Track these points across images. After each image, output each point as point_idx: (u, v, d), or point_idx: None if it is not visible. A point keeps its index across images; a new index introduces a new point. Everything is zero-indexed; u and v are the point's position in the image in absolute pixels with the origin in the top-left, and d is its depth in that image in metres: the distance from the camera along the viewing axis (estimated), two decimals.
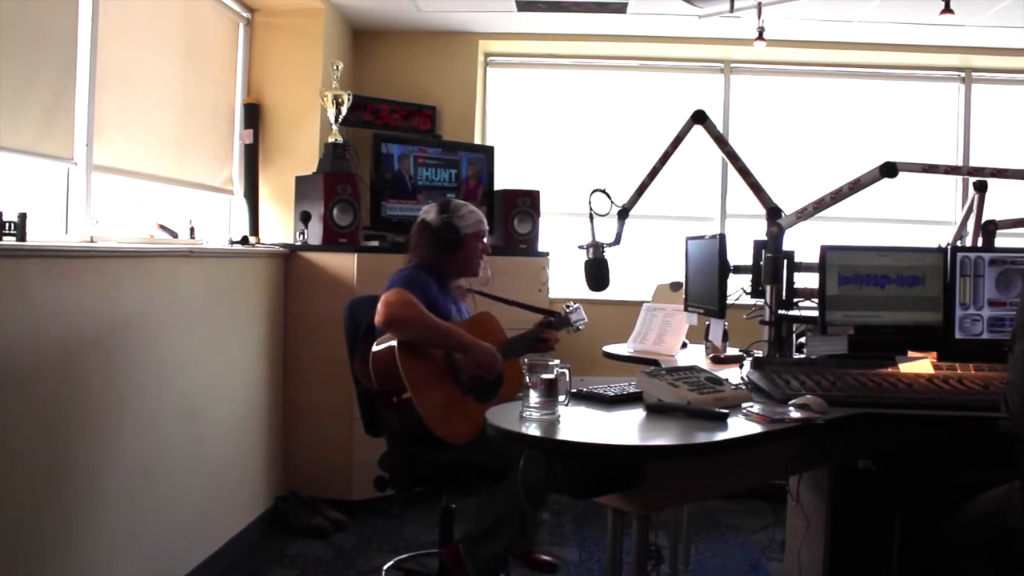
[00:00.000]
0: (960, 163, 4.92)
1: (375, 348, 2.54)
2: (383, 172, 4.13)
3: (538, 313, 3.02)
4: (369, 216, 4.12)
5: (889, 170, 2.45)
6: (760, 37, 3.95)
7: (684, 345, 3.25)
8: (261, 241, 4.07)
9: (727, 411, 1.92)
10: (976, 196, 3.31)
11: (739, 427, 1.86)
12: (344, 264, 3.80)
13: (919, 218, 4.98)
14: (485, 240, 2.87)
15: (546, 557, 3.25)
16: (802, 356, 2.59)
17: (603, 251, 3.02)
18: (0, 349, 1.99)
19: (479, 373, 2.61)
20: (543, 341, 2.86)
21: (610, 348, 3.34)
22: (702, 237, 2.96)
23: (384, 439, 2.76)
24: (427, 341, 2.55)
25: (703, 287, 2.88)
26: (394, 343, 2.49)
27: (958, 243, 3.39)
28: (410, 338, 2.52)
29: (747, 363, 2.38)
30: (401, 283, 2.61)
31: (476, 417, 2.29)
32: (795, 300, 2.62)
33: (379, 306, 2.52)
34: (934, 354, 2.45)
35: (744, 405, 1.99)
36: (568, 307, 3.00)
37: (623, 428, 1.89)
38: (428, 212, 2.84)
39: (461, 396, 2.61)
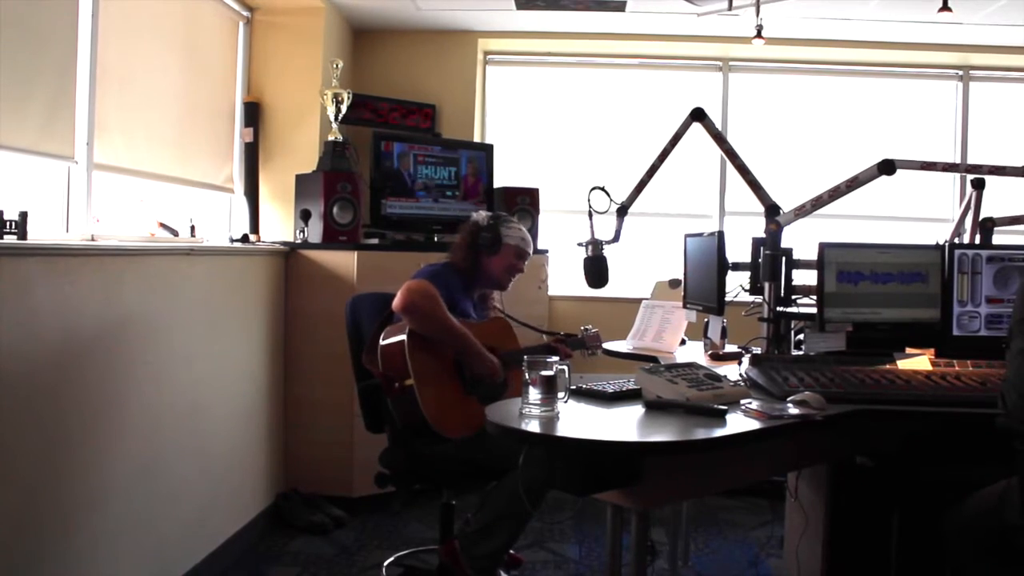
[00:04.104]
0: (958, 160, 4.93)
1: (387, 340, 2.57)
2: (383, 170, 4.13)
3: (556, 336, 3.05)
4: (369, 214, 4.13)
5: (887, 167, 2.46)
6: (758, 35, 3.95)
7: (683, 342, 3.26)
8: (261, 239, 4.08)
9: (726, 408, 1.93)
10: (974, 193, 3.32)
11: (738, 423, 1.87)
12: (344, 262, 3.81)
13: (917, 215, 5.00)
14: (523, 262, 2.90)
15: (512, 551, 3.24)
16: (800, 353, 2.59)
17: (602, 248, 3.04)
18: (1, 347, 2.00)
19: (480, 380, 2.65)
20: (554, 352, 2.86)
21: (609, 345, 3.34)
22: (701, 234, 2.97)
23: (385, 435, 2.77)
24: (437, 336, 2.58)
25: (702, 284, 2.89)
26: (404, 336, 2.52)
27: (956, 240, 3.40)
28: (422, 329, 2.55)
29: (746, 360, 2.39)
30: (426, 275, 2.67)
31: (474, 416, 2.30)
32: (793, 297, 2.63)
33: (400, 291, 2.56)
34: (932, 351, 2.46)
35: (743, 402, 2.01)
36: (586, 329, 3.02)
37: (622, 424, 1.90)
38: (479, 213, 2.91)
39: (463, 394, 2.63)
